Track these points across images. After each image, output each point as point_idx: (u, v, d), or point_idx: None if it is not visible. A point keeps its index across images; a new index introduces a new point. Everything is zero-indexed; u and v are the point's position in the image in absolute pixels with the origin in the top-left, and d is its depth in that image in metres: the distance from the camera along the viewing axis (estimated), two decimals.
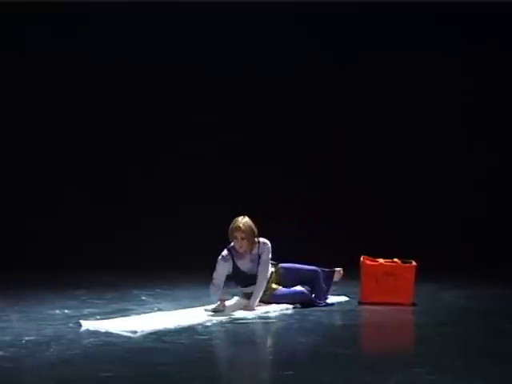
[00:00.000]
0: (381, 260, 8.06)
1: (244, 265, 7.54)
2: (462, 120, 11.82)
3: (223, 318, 7.02)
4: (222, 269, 7.43)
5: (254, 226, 7.54)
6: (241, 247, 7.47)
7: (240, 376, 5.26)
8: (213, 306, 7.21)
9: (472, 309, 7.87)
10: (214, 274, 7.39)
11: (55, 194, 11.27)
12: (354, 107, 11.82)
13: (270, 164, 11.60)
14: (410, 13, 11.52)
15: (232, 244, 7.52)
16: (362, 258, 8.07)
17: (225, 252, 7.50)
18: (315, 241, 11.06)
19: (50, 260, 10.49)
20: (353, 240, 10.89)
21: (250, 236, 7.47)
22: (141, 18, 11.29)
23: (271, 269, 7.69)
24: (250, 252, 7.54)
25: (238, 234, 7.44)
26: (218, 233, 10.97)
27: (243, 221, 7.50)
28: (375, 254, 8.18)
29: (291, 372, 5.21)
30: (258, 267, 7.53)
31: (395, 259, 8.07)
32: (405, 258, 8.11)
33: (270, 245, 7.62)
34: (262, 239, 7.61)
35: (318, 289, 7.84)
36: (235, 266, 7.51)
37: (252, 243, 7.51)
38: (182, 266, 9.83)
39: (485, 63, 11.66)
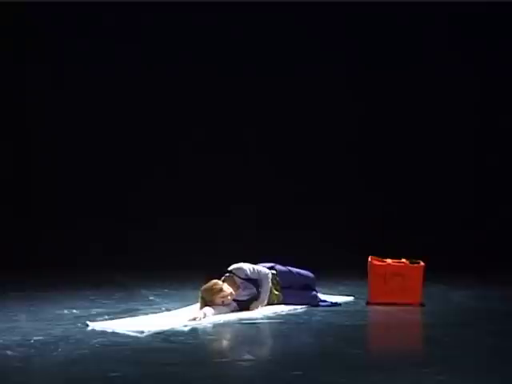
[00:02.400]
0: (389, 260, 8.03)
1: (243, 296, 7.39)
2: (465, 121, 11.81)
3: (231, 318, 7.03)
4: (224, 310, 7.21)
5: (212, 282, 7.21)
6: (231, 295, 7.24)
7: (249, 376, 5.26)
8: (192, 316, 6.92)
9: (481, 309, 7.85)
10: (211, 311, 7.05)
11: (66, 194, 11.26)
12: (356, 107, 11.80)
13: (271, 165, 11.60)
14: (414, 13, 11.51)
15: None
16: (369, 258, 8.04)
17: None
18: (318, 241, 11.10)
19: (60, 260, 10.47)
20: (358, 240, 10.90)
21: (222, 290, 7.18)
22: (144, 21, 11.29)
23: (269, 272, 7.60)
24: (238, 288, 7.36)
25: (220, 296, 7.15)
26: (227, 232, 11.09)
27: (209, 287, 7.16)
28: (382, 255, 8.17)
29: (299, 372, 5.20)
30: (259, 287, 7.39)
31: (403, 259, 8.05)
32: (413, 258, 8.09)
33: (240, 264, 7.44)
34: (231, 268, 7.41)
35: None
36: (238, 301, 7.33)
37: (228, 286, 7.25)
38: (192, 267, 9.82)
39: (487, 62, 11.67)
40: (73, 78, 11.20)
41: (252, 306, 7.35)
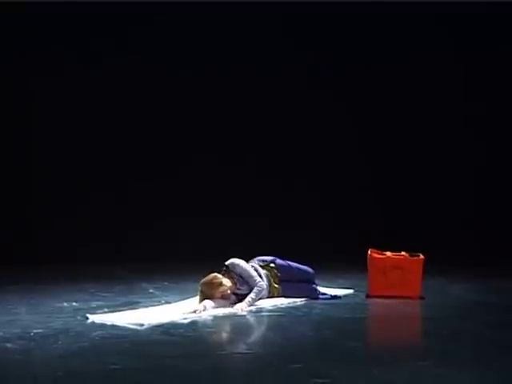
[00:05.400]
0: (388, 253, 8.04)
1: (242, 290, 7.37)
2: (466, 121, 11.82)
3: (230, 312, 7.04)
4: (224, 303, 7.23)
5: (211, 276, 7.22)
6: (231, 289, 7.27)
7: (248, 369, 5.27)
8: (192, 309, 6.94)
9: (480, 302, 7.85)
10: (211, 304, 7.07)
11: (66, 194, 11.22)
12: (358, 105, 11.81)
13: (271, 165, 11.61)
14: (413, 13, 11.51)
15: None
16: (369, 251, 8.05)
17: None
18: (319, 237, 11.12)
19: (60, 261, 10.44)
20: (359, 234, 10.92)
21: (222, 284, 7.20)
22: (146, 21, 11.26)
23: (264, 271, 7.60)
24: (235, 282, 7.35)
25: (220, 290, 7.18)
26: (226, 230, 11.09)
27: (208, 281, 7.18)
28: (383, 248, 8.17)
29: (299, 365, 5.22)
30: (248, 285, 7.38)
31: (403, 252, 8.06)
32: (412, 251, 8.10)
33: (236, 260, 7.44)
34: (227, 263, 7.42)
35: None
36: (238, 295, 7.34)
37: (228, 279, 7.27)
38: (193, 259, 9.84)
39: (485, 63, 11.69)
40: (73, 78, 11.15)
41: (237, 305, 7.17)
